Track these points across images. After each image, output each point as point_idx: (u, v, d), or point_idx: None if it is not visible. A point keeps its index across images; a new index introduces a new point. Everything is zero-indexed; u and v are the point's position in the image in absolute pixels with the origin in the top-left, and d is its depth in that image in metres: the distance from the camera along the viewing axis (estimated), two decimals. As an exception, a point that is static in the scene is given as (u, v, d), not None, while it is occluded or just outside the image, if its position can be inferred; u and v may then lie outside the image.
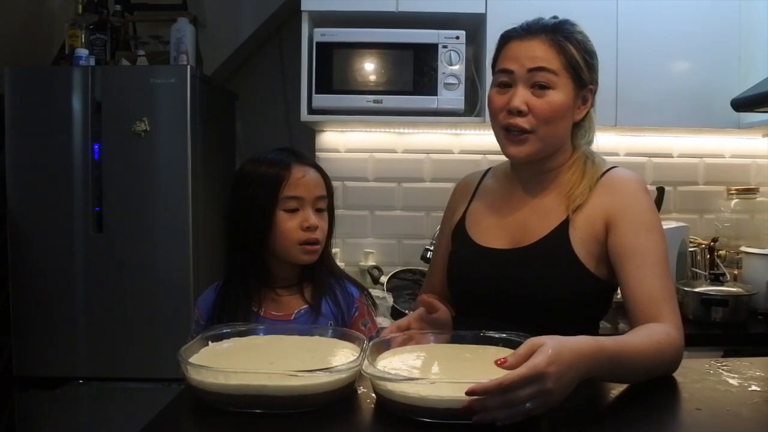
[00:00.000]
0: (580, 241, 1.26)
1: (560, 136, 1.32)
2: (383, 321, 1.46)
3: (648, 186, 2.65)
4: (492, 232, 1.36)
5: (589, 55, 1.31)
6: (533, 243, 1.29)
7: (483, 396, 0.82)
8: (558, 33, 1.28)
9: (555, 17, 1.33)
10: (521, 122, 1.26)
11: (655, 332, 1.09)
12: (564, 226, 1.28)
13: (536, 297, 1.26)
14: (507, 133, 1.29)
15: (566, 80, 1.27)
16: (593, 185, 1.29)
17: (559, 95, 1.26)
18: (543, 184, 1.35)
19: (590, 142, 1.38)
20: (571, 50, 1.27)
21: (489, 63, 1.35)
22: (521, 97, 1.26)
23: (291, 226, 1.30)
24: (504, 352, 1.04)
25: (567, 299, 1.25)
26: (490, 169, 1.52)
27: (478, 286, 1.33)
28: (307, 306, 1.36)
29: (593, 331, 1.36)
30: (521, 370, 0.83)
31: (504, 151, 1.33)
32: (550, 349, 0.86)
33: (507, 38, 1.33)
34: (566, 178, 1.33)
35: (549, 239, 1.28)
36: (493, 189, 1.44)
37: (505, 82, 1.29)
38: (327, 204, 1.38)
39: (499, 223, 1.37)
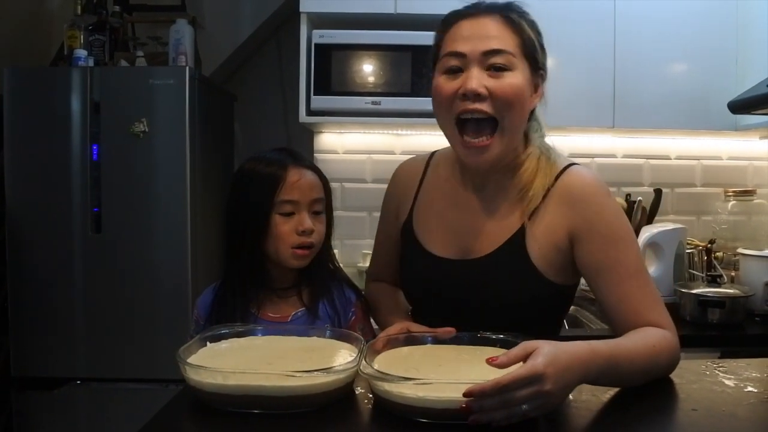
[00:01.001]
0: (539, 252, 1.18)
1: (520, 127, 1.19)
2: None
3: (648, 187, 2.69)
4: (441, 239, 1.28)
5: (540, 36, 1.20)
6: (489, 254, 1.21)
7: (480, 396, 0.83)
8: (511, 11, 1.17)
9: None
10: (480, 106, 1.12)
11: (650, 335, 1.07)
12: (520, 236, 1.19)
13: (495, 306, 1.20)
14: (463, 140, 1.16)
15: (523, 63, 1.15)
16: (549, 185, 1.19)
17: (517, 77, 1.13)
18: (492, 183, 1.25)
19: (543, 135, 1.26)
20: (526, 29, 1.16)
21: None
22: (477, 78, 1.11)
23: (286, 230, 1.29)
24: (501, 353, 1.05)
25: (526, 306, 1.20)
26: (434, 154, 1.40)
27: (433, 295, 1.27)
28: (304, 308, 1.35)
29: (556, 329, 1.31)
30: (519, 371, 0.83)
31: (464, 160, 1.21)
32: (546, 352, 0.86)
33: (454, 18, 1.19)
34: (519, 176, 1.21)
35: (505, 249, 1.20)
36: (440, 186, 1.33)
37: (455, 66, 1.15)
38: (325, 205, 1.36)
39: (448, 229, 1.28)
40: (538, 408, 0.85)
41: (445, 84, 1.16)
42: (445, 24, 1.21)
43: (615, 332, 1.15)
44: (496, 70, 1.13)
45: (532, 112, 1.24)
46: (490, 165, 1.19)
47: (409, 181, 1.38)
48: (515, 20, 1.16)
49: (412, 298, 1.38)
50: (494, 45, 1.13)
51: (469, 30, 1.15)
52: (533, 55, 1.17)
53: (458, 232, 1.27)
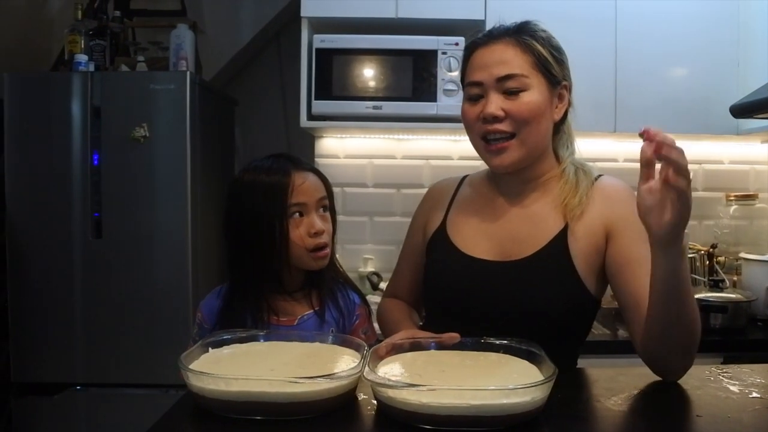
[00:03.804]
0: (580, 253, 1.22)
1: (542, 139, 1.27)
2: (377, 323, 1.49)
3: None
4: (479, 242, 1.30)
5: (556, 50, 1.27)
6: (529, 256, 1.24)
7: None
8: (521, 33, 1.25)
9: (515, 23, 1.30)
10: (500, 126, 1.22)
11: None
12: (563, 236, 1.23)
13: (528, 313, 1.21)
14: (487, 144, 1.25)
15: (538, 80, 1.23)
16: (589, 194, 1.26)
17: (533, 95, 1.22)
18: (529, 193, 1.31)
19: (573, 152, 1.34)
20: (537, 47, 1.23)
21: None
22: (495, 102, 1.22)
23: (299, 234, 1.29)
24: (505, 359, 1.05)
25: (559, 317, 1.21)
26: (466, 177, 1.46)
27: (463, 298, 1.27)
28: (311, 312, 1.35)
29: (577, 349, 1.32)
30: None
31: (488, 164, 1.29)
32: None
33: (471, 48, 1.29)
34: (557, 189, 1.28)
35: (546, 251, 1.23)
36: (472, 199, 1.38)
37: (477, 94, 1.25)
38: (329, 205, 1.37)
39: (486, 233, 1.30)
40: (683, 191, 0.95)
41: (469, 110, 1.27)
42: (465, 53, 1.32)
43: (642, 326, 1.16)
44: (512, 93, 1.22)
45: (561, 123, 1.31)
46: (511, 165, 1.25)
47: (442, 196, 1.43)
48: (525, 41, 1.24)
49: (433, 301, 1.37)
50: (506, 71, 1.22)
51: (483, 59, 1.25)
52: (548, 70, 1.24)
53: (498, 236, 1.29)
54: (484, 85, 1.23)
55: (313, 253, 1.31)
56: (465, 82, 1.29)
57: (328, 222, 1.35)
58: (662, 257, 1.01)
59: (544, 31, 1.28)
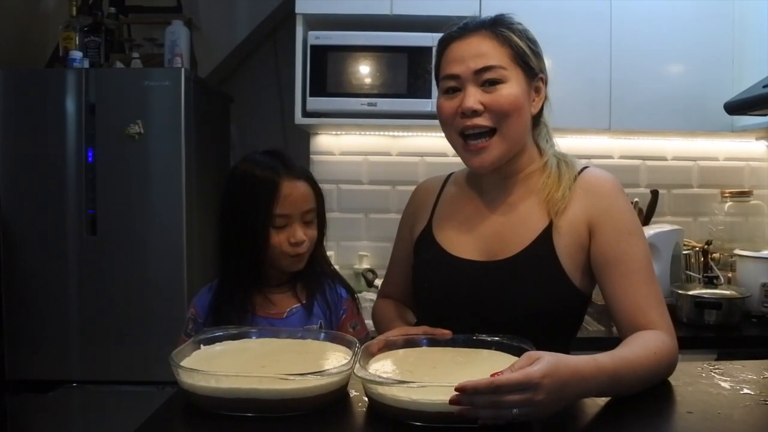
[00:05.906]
0: (566, 250, 1.19)
1: (521, 132, 1.24)
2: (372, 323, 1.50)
3: (645, 188, 2.70)
4: (464, 243, 1.28)
5: (533, 43, 1.25)
6: (514, 255, 1.21)
7: (472, 393, 0.82)
8: (498, 26, 1.23)
9: (490, 16, 1.27)
10: (478, 121, 1.19)
11: (651, 342, 1.06)
12: (547, 233, 1.20)
13: (516, 312, 1.19)
14: (465, 144, 1.22)
15: (516, 72, 1.20)
16: (572, 186, 1.23)
17: (512, 87, 1.19)
18: (511, 189, 1.28)
19: (553, 145, 1.32)
20: (514, 40, 1.21)
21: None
22: (473, 96, 1.19)
23: (279, 240, 1.32)
24: (496, 356, 1.05)
25: (548, 315, 1.20)
26: (452, 174, 1.45)
27: (451, 299, 1.26)
28: (299, 305, 1.38)
29: (568, 344, 1.29)
30: (515, 375, 0.83)
31: (467, 164, 1.27)
32: (547, 362, 0.85)
33: (446, 41, 1.26)
34: (540, 182, 1.26)
35: (532, 250, 1.20)
36: (457, 198, 1.37)
37: (453, 87, 1.23)
38: (316, 213, 1.38)
39: (471, 233, 1.29)
40: (528, 415, 0.84)
41: (445, 104, 1.24)
42: (439, 47, 1.28)
43: (617, 326, 1.18)
44: (490, 84, 1.19)
45: (539, 116, 1.29)
46: (491, 165, 1.23)
47: (427, 196, 1.42)
48: (502, 33, 1.21)
49: (422, 303, 1.37)
50: (484, 62, 1.19)
51: (459, 51, 1.22)
52: (526, 63, 1.22)
53: (483, 235, 1.27)
54: (461, 78, 1.21)
55: (289, 258, 1.34)
56: (440, 75, 1.27)
57: (312, 230, 1.37)
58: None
59: (520, 24, 1.26)
